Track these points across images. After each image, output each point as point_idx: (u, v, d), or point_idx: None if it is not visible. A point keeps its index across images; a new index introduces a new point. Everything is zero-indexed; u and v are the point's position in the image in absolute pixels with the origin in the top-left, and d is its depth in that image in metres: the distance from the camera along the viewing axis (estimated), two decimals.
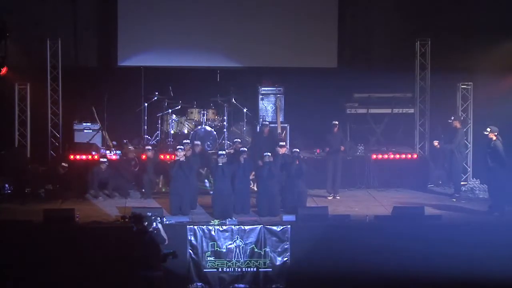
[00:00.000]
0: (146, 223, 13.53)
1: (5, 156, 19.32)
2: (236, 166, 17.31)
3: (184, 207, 17.11)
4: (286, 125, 20.96)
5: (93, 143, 20.13)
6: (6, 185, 18.55)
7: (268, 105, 21.29)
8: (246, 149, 17.80)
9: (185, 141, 18.20)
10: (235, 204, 17.12)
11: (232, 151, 18.56)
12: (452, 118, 19.20)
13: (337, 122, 18.98)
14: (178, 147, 17.66)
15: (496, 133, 17.39)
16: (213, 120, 20.53)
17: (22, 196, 18.21)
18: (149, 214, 14.16)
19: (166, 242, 13.82)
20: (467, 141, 20.35)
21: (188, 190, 17.31)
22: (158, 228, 13.74)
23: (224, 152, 17.45)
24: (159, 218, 13.97)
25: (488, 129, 17.45)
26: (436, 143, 19.07)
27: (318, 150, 20.19)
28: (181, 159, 17.34)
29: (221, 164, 17.06)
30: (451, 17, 21.73)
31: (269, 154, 17.44)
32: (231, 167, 17.19)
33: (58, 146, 20.30)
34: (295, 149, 17.81)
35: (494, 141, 17.32)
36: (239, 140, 18.89)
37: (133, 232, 13.65)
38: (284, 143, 18.61)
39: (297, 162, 17.46)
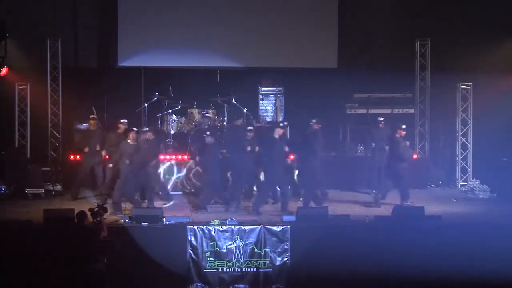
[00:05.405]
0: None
1: (5, 156, 19.33)
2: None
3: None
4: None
5: None
6: (2, 187, 18.56)
7: (268, 105, 21.29)
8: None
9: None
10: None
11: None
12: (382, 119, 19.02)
13: (286, 123, 18.66)
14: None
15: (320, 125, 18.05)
16: (213, 120, 20.53)
17: (24, 196, 18.24)
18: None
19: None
20: (467, 142, 20.39)
21: None
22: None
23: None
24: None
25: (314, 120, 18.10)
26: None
27: None
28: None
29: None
30: (451, 17, 21.73)
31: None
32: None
33: (58, 146, 20.31)
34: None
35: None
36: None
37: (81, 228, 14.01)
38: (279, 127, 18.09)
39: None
